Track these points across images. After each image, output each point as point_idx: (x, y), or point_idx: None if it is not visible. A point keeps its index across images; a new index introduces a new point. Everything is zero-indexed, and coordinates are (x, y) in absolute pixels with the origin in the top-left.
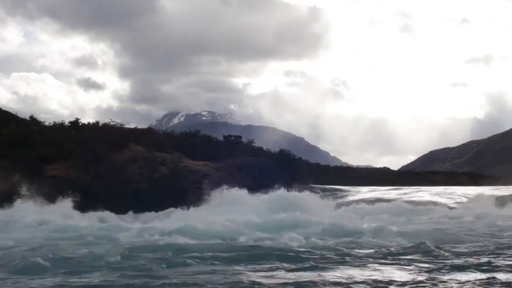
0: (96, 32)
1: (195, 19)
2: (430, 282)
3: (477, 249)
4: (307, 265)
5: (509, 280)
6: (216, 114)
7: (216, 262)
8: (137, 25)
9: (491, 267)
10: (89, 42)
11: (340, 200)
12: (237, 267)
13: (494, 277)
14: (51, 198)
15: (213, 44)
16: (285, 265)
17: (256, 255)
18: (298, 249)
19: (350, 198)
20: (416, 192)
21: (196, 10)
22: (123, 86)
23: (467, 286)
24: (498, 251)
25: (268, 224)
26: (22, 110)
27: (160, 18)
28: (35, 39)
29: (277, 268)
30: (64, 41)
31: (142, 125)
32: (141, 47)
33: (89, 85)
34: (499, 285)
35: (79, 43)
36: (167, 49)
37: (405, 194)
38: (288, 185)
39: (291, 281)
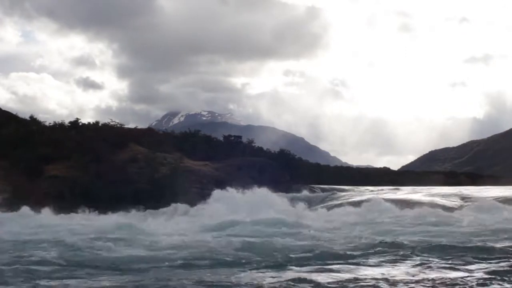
0: (94, 32)
1: (193, 18)
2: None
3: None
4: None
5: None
6: (216, 114)
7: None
8: (135, 25)
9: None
10: (87, 42)
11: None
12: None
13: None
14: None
15: (212, 43)
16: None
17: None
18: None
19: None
20: (414, 192)
21: (195, 10)
22: (121, 86)
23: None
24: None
25: None
26: (21, 110)
27: (158, 17)
28: (33, 39)
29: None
30: (62, 41)
31: (141, 125)
32: (139, 47)
33: (87, 85)
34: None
35: (77, 43)
36: (165, 49)
37: (405, 194)
38: (288, 184)
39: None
